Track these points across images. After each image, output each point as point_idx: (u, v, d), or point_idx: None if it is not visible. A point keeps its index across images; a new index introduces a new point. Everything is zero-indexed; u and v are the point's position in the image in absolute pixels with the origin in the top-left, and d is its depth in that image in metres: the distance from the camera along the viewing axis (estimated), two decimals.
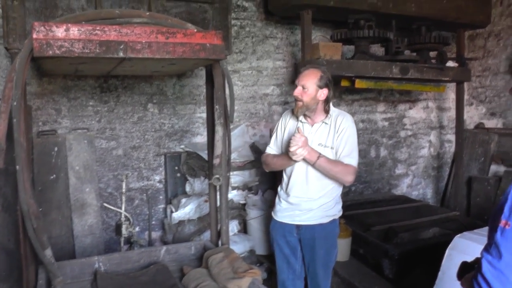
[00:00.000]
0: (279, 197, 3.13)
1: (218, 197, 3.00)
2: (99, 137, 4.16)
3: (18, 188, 2.15)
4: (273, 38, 4.84)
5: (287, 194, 3.03)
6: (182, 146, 4.49)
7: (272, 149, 3.15)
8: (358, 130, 5.14)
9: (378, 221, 4.18)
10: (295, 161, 2.84)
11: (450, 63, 4.70)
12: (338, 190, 3.01)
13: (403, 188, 5.75)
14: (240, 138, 4.57)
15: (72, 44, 2.11)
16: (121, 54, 2.21)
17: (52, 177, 3.75)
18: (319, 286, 3.06)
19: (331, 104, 2.95)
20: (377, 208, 4.66)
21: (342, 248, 3.79)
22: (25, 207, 2.15)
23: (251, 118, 4.86)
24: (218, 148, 2.68)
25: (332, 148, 2.88)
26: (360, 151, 5.25)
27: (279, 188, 3.16)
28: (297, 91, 2.84)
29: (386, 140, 5.58)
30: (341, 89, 5.07)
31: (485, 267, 1.37)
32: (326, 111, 2.92)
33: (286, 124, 3.08)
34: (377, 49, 5.00)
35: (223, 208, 2.97)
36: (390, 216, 4.35)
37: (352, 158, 2.85)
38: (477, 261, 1.45)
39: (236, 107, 4.69)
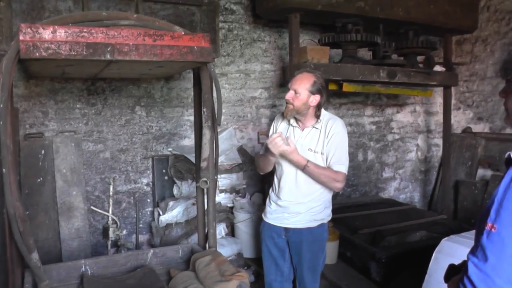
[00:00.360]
0: (269, 199, 3.14)
1: (205, 200, 3.00)
2: (86, 139, 4.13)
3: (4, 191, 2.13)
4: (261, 41, 4.86)
5: (277, 197, 3.04)
6: (170, 149, 4.48)
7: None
8: None
9: (366, 224, 4.20)
10: (274, 155, 2.86)
11: (438, 68, 4.75)
12: (328, 194, 3.01)
13: (390, 191, 5.79)
14: (227, 141, 4.58)
15: (59, 46, 2.10)
16: (108, 56, 2.21)
17: (39, 180, 3.72)
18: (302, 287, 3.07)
19: (322, 109, 2.95)
20: (364, 211, 4.67)
21: (330, 251, 3.80)
22: (12, 210, 2.13)
23: (238, 121, 4.87)
24: (206, 151, 2.68)
25: (322, 153, 2.88)
26: (348, 154, 5.35)
27: (270, 190, 3.17)
28: (289, 95, 2.84)
29: (374, 143, 5.61)
30: (329, 93, 5.06)
31: (471, 270, 1.38)
32: (317, 116, 2.92)
33: (277, 127, 3.09)
34: (365, 53, 5.04)
35: (211, 211, 2.96)
36: (377, 219, 4.37)
37: (341, 165, 2.84)
38: (464, 264, 1.46)
39: (224, 110, 4.72)
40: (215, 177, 2.99)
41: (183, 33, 2.42)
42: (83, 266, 2.73)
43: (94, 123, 4.16)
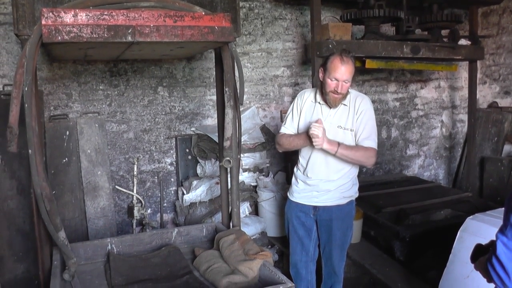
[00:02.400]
0: (296, 178, 3.12)
1: (229, 179, 3.01)
2: (110, 120, 4.18)
3: (31, 172, 2.18)
4: (282, 19, 4.79)
5: (305, 175, 3.02)
6: (193, 129, 4.50)
7: (287, 129, 3.10)
8: None
9: (390, 202, 4.16)
10: (312, 145, 2.81)
11: (463, 41, 4.62)
12: (355, 171, 3.02)
13: (414, 169, 5.72)
14: (250, 120, 4.57)
15: (81, 30, 2.12)
16: (129, 38, 2.22)
17: (64, 160, 3.80)
18: (334, 268, 3.08)
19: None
20: (388, 190, 4.62)
21: (354, 230, 3.76)
22: (38, 190, 2.19)
23: (261, 100, 4.84)
24: (228, 131, 2.69)
25: (351, 130, 2.88)
26: None
27: (295, 169, 3.15)
28: (344, 88, 2.79)
29: (397, 120, 5.53)
30: None
31: (500, 249, 1.35)
32: (346, 93, 2.89)
33: (302, 105, 3.04)
34: (388, 29, 4.93)
35: (234, 190, 2.98)
36: (401, 198, 4.32)
37: (371, 140, 2.85)
38: (492, 244, 1.43)
39: (246, 89, 4.71)
40: (238, 156, 3.01)
41: (203, 13, 2.40)
42: (109, 245, 2.81)
43: (117, 104, 4.21)
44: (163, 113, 4.41)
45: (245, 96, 4.70)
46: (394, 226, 3.66)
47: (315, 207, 3.03)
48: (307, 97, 3.02)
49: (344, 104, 2.90)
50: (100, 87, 4.12)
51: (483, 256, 1.57)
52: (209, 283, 2.41)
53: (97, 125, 3.97)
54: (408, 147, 5.65)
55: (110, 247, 2.81)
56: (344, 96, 2.85)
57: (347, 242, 3.10)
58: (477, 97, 5.24)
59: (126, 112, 4.25)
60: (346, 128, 2.89)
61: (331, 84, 2.79)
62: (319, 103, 2.95)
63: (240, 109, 4.48)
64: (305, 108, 3.03)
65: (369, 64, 4.08)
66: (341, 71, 2.76)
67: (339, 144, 2.78)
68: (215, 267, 2.50)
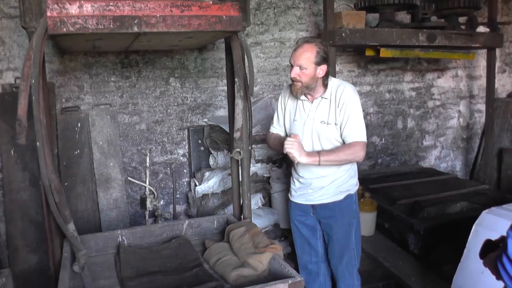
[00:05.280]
0: (292, 177, 3.04)
1: (240, 170, 2.98)
2: (121, 112, 4.18)
3: (39, 164, 2.18)
4: (295, 8, 4.71)
5: (298, 174, 2.93)
6: (205, 120, 4.48)
7: (275, 128, 3.06)
8: (384, 101, 5.15)
9: (405, 194, 4.07)
10: None
11: (481, 28, 4.46)
12: (351, 164, 2.87)
13: (431, 160, 5.62)
14: (263, 110, 4.52)
15: (86, 21, 2.09)
16: (135, 29, 2.19)
17: (76, 152, 3.81)
18: (344, 270, 2.96)
19: (330, 77, 2.80)
20: (403, 181, 4.53)
21: (367, 222, 3.75)
22: (47, 182, 2.19)
23: (274, 90, 4.79)
24: (239, 122, 2.65)
25: (336, 124, 2.74)
26: (386, 122, 5.22)
27: (292, 168, 3.06)
28: (294, 73, 2.68)
29: (414, 110, 5.41)
30: (366, 59, 4.92)
31: (511, 248, 1.29)
32: (326, 85, 2.76)
33: (286, 102, 2.96)
34: (404, 17, 4.82)
35: (245, 182, 2.96)
36: (417, 190, 4.22)
37: (356, 133, 2.70)
38: (502, 240, 1.37)
39: (259, 80, 4.67)
40: (249, 148, 2.97)
41: (211, 2, 2.36)
42: (120, 236, 2.81)
43: (129, 95, 4.20)
44: (175, 104, 4.39)
45: (258, 87, 4.71)
46: (409, 219, 3.58)
47: (313, 206, 2.93)
48: (290, 93, 2.91)
49: (324, 98, 2.77)
50: (112, 79, 4.12)
51: (493, 252, 1.51)
52: (219, 276, 2.40)
53: (109, 116, 3.97)
54: (424, 137, 5.54)
55: (120, 239, 2.81)
56: (308, 87, 2.70)
57: (352, 241, 2.92)
58: (496, 86, 5.09)
59: (138, 104, 4.24)
60: (329, 123, 2.75)
61: (291, 70, 2.72)
62: (300, 99, 2.84)
63: (253, 100, 4.54)
64: (289, 105, 2.94)
65: (384, 53, 3.99)
66: (294, 55, 2.69)
67: (319, 153, 2.67)
68: (225, 260, 2.48)
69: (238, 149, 2.69)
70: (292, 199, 3.04)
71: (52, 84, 3.76)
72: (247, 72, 2.66)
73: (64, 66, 3.94)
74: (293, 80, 2.73)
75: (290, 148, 2.63)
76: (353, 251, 2.94)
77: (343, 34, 3.67)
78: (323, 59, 2.65)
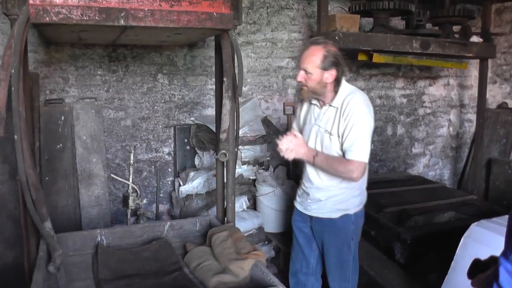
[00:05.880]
0: (299, 183, 2.89)
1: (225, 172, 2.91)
2: (107, 107, 4.08)
3: (16, 158, 2.09)
4: (289, 9, 4.67)
5: (302, 181, 2.81)
6: (192, 119, 4.40)
7: (295, 129, 2.92)
8: (375, 106, 4.97)
9: (392, 202, 4.03)
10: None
11: (474, 38, 4.45)
12: (356, 182, 2.61)
13: (419, 168, 5.60)
14: (252, 111, 4.45)
15: (70, 11, 2.01)
16: (122, 22, 2.11)
17: (58, 146, 3.70)
18: (330, 283, 2.82)
19: (343, 82, 2.61)
20: (391, 188, 4.48)
21: None
22: (24, 178, 2.09)
23: (264, 91, 4.73)
24: (225, 122, 2.58)
25: (339, 136, 2.54)
26: (376, 128, 5.12)
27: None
28: (300, 77, 2.53)
29: (404, 117, 5.40)
30: (358, 63, 4.89)
31: (503, 277, 1.20)
32: (336, 92, 2.56)
33: (302, 106, 2.84)
34: (398, 22, 4.79)
35: (230, 184, 2.89)
36: (404, 197, 4.19)
37: (354, 151, 2.47)
38: (492, 261, 1.30)
39: (248, 80, 4.61)
40: (235, 150, 2.90)
41: None
42: (99, 236, 2.73)
43: (115, 90, 4.10)
44: (162, 101, 4.31)
45: (247, 87, 4.64)
46: (395, 227, 3.53)
47: (310, 217, 2.78)
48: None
49: (332, 106, 2.57)
50: (98, 72, 4.02)
51: (482, 274, 1.43)
52: (199, 281, 2.33)
53: (93, 111, 3.87)
54: (413, 145, 5.53)
55: (99, 239, 2.72)
56: (316, 92, 2.56)
57: (346, 261, 2.73)
58: (487, 96, 5.09)
59: (124, 99, 4.15)
60: (332, 133, 2.56)
61: (298, 75, 2.58)
62: (312, 103, 2.72)
63: (242, 100, 4.47)
64: (304, 107, 2.82)
65: (377, 58, 3.95)
66: (300, 58, 2.55)
67: (315, 155, 2.55)
68: (206, 265, 2.42)
69: (223, 151, 2.60)
70: (294, 203, 2.92)
71: (36, 74, 3.65)
72: (236, 72, 2.58)
73: (50, 57, 3.83)
74: (302, 84, 2.58)
75: (280, 144, 2.54)
76: (347, 271, 2.76)
77: (336, 38, 3.60)
78: (332, 64, 2.47)
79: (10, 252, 3.46)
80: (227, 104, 2.55)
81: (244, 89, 4.62)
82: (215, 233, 2.64)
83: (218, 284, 2.22)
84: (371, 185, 4.46)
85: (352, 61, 4.86)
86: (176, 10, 2.20)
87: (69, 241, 2.63)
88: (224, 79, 2.53)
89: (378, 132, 5.22)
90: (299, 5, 4.70)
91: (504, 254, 1.22)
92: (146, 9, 2.14)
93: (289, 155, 2.58)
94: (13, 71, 2.01)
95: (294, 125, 2.97)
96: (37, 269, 2.22)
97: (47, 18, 1.97)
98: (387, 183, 4.71)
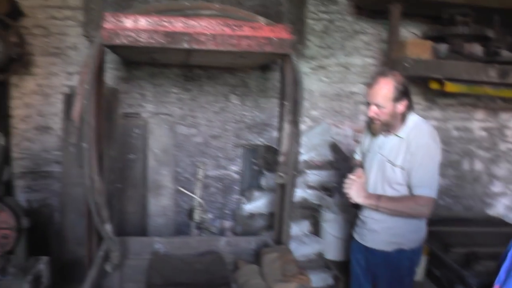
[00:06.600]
0: (358, 212, 2.86)
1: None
2: (180, 123, 4.30)
3: (84, 164, 2.29)
4: (363, 33, 4.62)
5: (360, 210, 2.76)
6: (261, 140, 4.50)
7: (357, 154, 2.95)
8: (450, 138, 4.87)
9: (462, 242, 3.74)
10: None
11: None
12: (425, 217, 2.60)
13: (499, 209, 5.17)
14: (320, 136, 4.44)
15: (139, 34, 2.20)
16: (185, 45, 2.26)
17: (131, 157, 3.97)
18: None
19: (412, 112, 2.56)
20: (463, 228, 4.16)
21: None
22: (88, 182, 2.29)
23: (335, 116, 4.71)
24: (284, 146, 2.65)
25: (402, 168, 2.47)
26: (451, 161, 4.92)
27: None
28: (372, 112, 2.49)
29: (483, 152, 5.06)
30: (434, 92, 4.69)
31: None
32: (404, 122, 2.52)
33: (366, 132, 2.81)
34: (479, 49, 4.55)
35: (286, 207, 2.90)
36: (476, 239, 3.86)
37: (423, 188, 2.42)
38: None
39: (320, 104, 4.63)
40: (294, 173, 2.92)
41: (263, 23, 2.38)
42: (157, 244, 2.88)
43: (188, 108, 4.32)
44: (233, 121, 4.45)
45: (318, 111, 4.66)
46: (461, 270, 3.29)
47: (365, 247, 2.73)
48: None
49: (399, 136, 2.52)
50: (174, 90, 4.26)
51: None
52: None
53: (167, 126, 4.12)
54: (493, 183, 5.13)
55: (157, 246, 2.87)
56: (389, 125, 2.51)
57: None
58: None
59: (197, 117, 4.35)
60: (395, 164, 2.49)
61: (368, 108, 2.52)
62: None
63: (312, 124, 4.49)
64: (368, 136, 2.77)
65: (449, 87, 3.76)
66: (370, 93, 2.48)
67: (379, 198, 2.50)
68: (252, 283, 2.46)
69: (281, 173, 2.66)
70: (353, 233, 2.90)
71: (116, 90, 3.96)
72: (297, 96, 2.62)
73: (129, 74, 4.14)
74: (373, 119, 2.54)
75: (348, 188, 2.56)
76: None
77: (406, 64, 3.52)
78: (402, 94, 2.44)
79: (81, 248, 3.74)
80: (286, 127, 2.62)
81: (315, 113, 4.64)
82: (266, 253, 2.67)
83: None
84: (442, 222, 4.30)
85: (427, 89, 4.68)
86: (237, 34, 2.31)
87: (129, 245, 2.82)
88: (285, 103, 2.61)
89: (453, 166, 4.94)
90: (374, 29, 4.63)
91: None
92: (208, 33, 2.27)
93: (354, 198, 2.58)
94: (87, 87, 2.23)
95: (358, 151, 2.95)
96: (94, 266, 2.41)
97: (117, 41, 2.17)
98: (460, 222, 4.39)
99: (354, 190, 2.54)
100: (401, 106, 2.46)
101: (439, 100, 4.85)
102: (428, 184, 2.43)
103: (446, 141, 4.91)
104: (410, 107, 2.52)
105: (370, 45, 4.65)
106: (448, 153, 4.93)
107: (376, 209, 2.52)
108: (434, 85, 3.88)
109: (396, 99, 2.44)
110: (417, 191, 2.43)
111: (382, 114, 2.47)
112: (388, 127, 2.53)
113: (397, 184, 2.52)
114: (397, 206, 2.49)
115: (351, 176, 2.58)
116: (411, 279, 2.71)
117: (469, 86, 3.86)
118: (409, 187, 2.48)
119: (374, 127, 2.58)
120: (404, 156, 2.47)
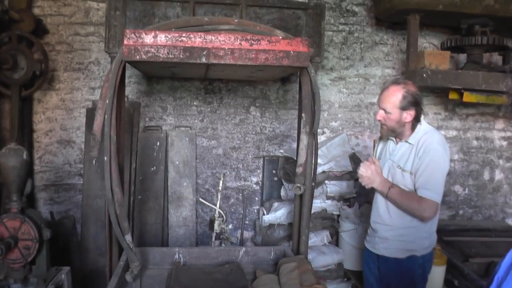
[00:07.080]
0: (369, 221, 2.92)
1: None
2: (200, 135, 4.38)
3: (105, 176, 2.36)
4: (383, 44, 4.65)
5: (371, 219, 2.83)
6: (281, 151, 4.53)
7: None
8: (471, 148, 4.84)
9: (481, 252, 3.73)
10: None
11: None
12: (424, 223, 2.61)
13: None
14: (340, 147, 4.46)
15: (158, 50, 2.26)
16: (203, 60, 2.31)
17: (152, 169, 4.05)
18: None
19: (422, 121, 2.63)
20: (483, 238, 4.14)
21: (435, 276, 3.48)
22: (109, 194, 2.35)
23: (354, 127, 4.72)
24: (302, 157, 2.67)
25: (411, 173, 2.56)
26: (472, 171, 4.89)
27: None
28: (380, 116, 2.60)
29: (503, 162, 4.98)
30: (454, 102, 4.67)
31: None
32: (414, 129, 2.62)
33: (381, 139, 2.90)
34: (498, 58, 4.51)
35: (304, 218, 2.92)
36: (496, 249, 3.82)
37: (427, 190, 2.48)
38: None
39: (339, 115, 4.65)
40: (312, 184, 2.95)
41: (280, 37, 2.42)
42: (177, 254, 2.91)
43: (209, 120, 4.39)
44: (254, 132, 4.50)
45: (338, 122, 4.68)
46: (481, 280, 3.25)
47: (377, 256, 2.77)
48: None
49: (409, 142, 2.61)
50: (194, 103, 4.35)
51: None
52: None
53: (187, 138, 4.18)
54: None
55: (177, 256, 2.91)
56: (395, 131, 2.61)
57: None
58: None
59: (217, 129, 4.42)
60: (405, 169, 2.58)
61: (377, 114, 2.63)
62: (389, 138, 2.75)
63: (331, 135, 4.50)
64: (381, 143, 2.88)
65: (467, 97, 3.75)
66: (380, 97, 2.59)
67: (390, 186, 2.55)
68: None
69: (298, 184, 2.69)
70: (365, 242, 2.94)
71: (137, 103, 4.05)
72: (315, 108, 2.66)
73: (151, 88, 4.25)
74: (382, 123, 2.65)
75: (364, 172, 2.61)
76: None
77: (424, 75, 3.53)
78: (411, 104, 2.51)
79: (102, 258, 3.83)
80: (304, 139, 2.64)
81: (335, 124, 4.67)
82: (285, 263, 2.69)
83: None
84: (461, 232, 4.25)
85: (447, 99, 4.66)
86: (254, 48, 2.35)
87: (149, 255, 2.86)
88: (302, 114, 2.64)
89: (473, 176, 4.89)
90: (394, 40, 4.66)
91: None
92: (226, 48, 2.32)
93: (366, 182, 2.63)
94: (107, 102, 2.30)
95: (372, 154, 3.02)
96: (114, 276, 2.45)
97: (137, 57, 2.23)
98: (480, 232, 4.35)
99: (370, 174, 2.59)
100: (408, 115, 2.55)
101: (459, 110, 4.82)
102: (432, 188, 2.49)
103: (466, 151, 4.88)
104: (417, 118, 2.59)
105: (389, 55, 4.67)
106: (468, 163, 4.89)
107: (386, 196, 2.59)
108: (453, 95, 3.87)
109: (403, 108, 2.52)
110: (421, 193, 2.50)
111: (388, 120, 2.58)
112: (394, 133, 2.64)
113: (406, 188, 2.59)
114: (402, 201, 2.55)
115: (365, 161, 2.65)
116: (423, 285, 2.74)
117: (487, 95, 3.84)
118: (415, 188, 2.55)
119: (381, 131, 2.69)
120: (413, 161, 2.56)
